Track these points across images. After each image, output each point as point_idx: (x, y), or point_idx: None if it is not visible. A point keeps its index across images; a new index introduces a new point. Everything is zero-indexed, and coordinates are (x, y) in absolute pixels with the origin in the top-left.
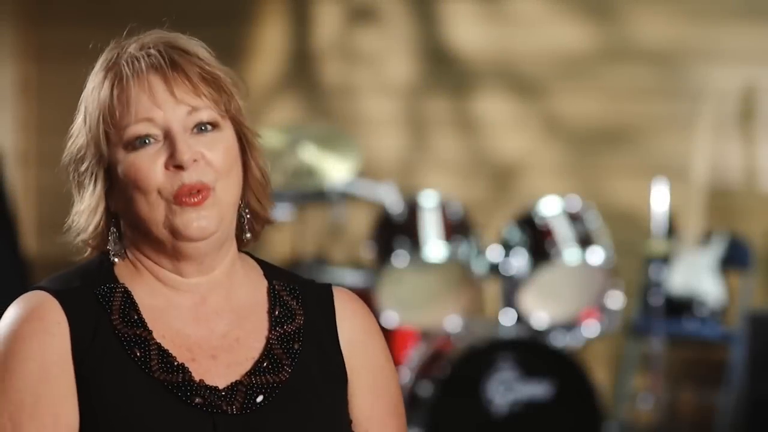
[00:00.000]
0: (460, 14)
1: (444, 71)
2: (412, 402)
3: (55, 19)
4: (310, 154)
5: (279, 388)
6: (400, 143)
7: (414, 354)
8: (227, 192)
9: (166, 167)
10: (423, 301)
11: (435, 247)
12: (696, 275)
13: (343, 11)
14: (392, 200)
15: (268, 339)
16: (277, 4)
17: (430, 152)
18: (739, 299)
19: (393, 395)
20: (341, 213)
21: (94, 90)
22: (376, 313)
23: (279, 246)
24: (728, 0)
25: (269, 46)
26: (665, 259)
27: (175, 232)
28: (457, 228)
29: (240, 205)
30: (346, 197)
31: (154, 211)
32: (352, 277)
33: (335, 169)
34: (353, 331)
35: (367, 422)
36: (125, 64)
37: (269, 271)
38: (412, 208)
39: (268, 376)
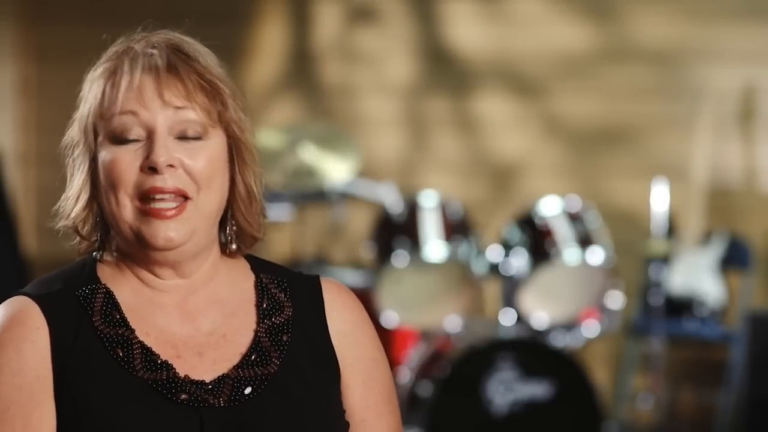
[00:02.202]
0: (460, 14)
1: (444, 71)
2: (412, 402)
3: (55, 19)
4: (310, 154)
5: (267, 379)
6: (400, 143)
7: (414, 354)
8: (207, 203)
9: (142, 168)
10: (423, 301)
11: (435, 247)
12: (696, 275)
13: (343, 11)
14: (392, 200)
15: (256, 332)
16: (277, 4)
17: (430, 152)
18: (739, 299)
19: (386, 384)
20: (341, 213)
21: (93, 81)
22: (376, 313)
23: (279, 246)
24: (728, 0)
25: (269, 46)
26: (665, 259)
27: (141, 239)
28: (457, 228)
29: (228, 217)
30: (346, 197)
31: (123, 211)
32: (352, 277)
33: (335, 169)
34: (343, 322)
35: (362, 412)
36: (124, 60)
37: (257, 264)
38: (412, 208)
39: (257, 369)
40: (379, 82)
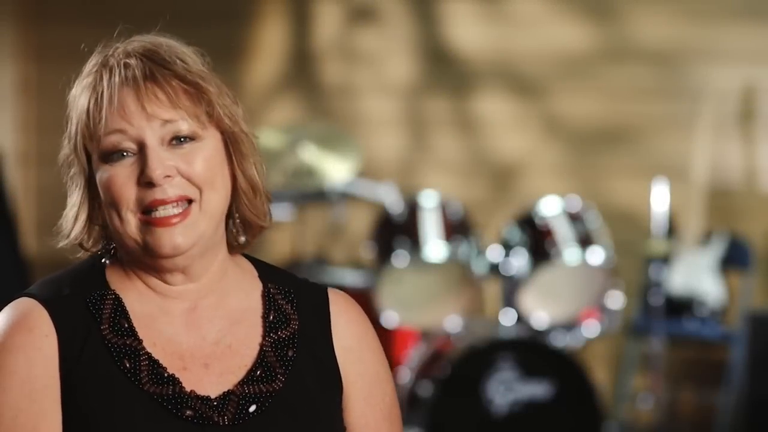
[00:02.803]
0: (460, 14)
1: (444, 71)
2: (412, 402)
3: (55, 19)
4: (310, 154)
5: (272, 397)
6: (400, 143)
7: (414, 354)
8: (212, 203)
9: (139, 183)
10: (423, 301)
11: (435, 247)
12: (696, 275)
13: (343, 11)
14: (392, 200)
15: (261, 346)
16: (277, 4)
17: (430, 152)
18: (739, 299)
19: (388, 401)
20: (341, 213)
21: (76, 98)
22: (376, 313)
23: (279, 246)
24: (728, 0)
25: (269, 46)
26: (665, 259)
27: (147, 249)
28: (457, 228)
29: (232, 212)
30: (346, 197)
31: (127, 227)
32: (352, 277)
33: (335, 169)
34: (348, 338)
35: (361, 430)
36: (103, 75)
37: (265, 272)
38: (412, 208)
39: (261, 386)
40: (379, 82)
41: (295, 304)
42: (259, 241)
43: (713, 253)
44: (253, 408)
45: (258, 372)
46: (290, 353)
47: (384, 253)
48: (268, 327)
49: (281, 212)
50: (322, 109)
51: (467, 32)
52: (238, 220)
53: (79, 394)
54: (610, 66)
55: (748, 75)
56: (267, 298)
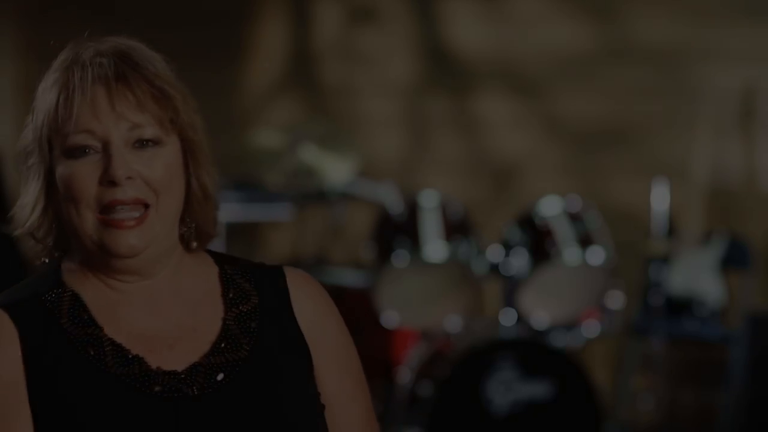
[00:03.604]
0: (460, 14)
1: (444, 71)
2: (412, 402)
3: (55, 18)
4: (310, 154)
5: (239, 365)
6: (400, 143)
7: (414, 354)
8: (166, 207)
9: (100, 182)
10: (423, 301)
11: (435, 247)
12: (696, 275)
13: (343, 11)
14: (392, 200)
15: (224, 320)
16: (277, 4)
17: (430, 152)
18: (739, 299)
19: (357, 369)
20: (341, 213)
21: (45, 91)
22: (376, 313)
23: (279, 246)
24: (728, 0)
25: (269, 46)
26: (665, 259)
27: (103, 249)
28: (457, 228)
29: (185, 217)
30: (346, 197)
31: (84, 223)
32: (352, 277)
33: (335, 169)
34: (311, 311)
35: (337, 397)
36: (74, 71)
37: (219, 258)
38: (412, 208)
39: (227, 355)
40: (379, 82)
41: (252, 281)
42: (260, 241)
43: (713, 253)
44: (221, 376)
45: (222, 344)
46: (253, 324)
47: (384, 253)
48: (229, 303)
49: (281, 212)
50: (322, 109)
51: (467, 32)
52: (192, 225)
53: (48, 390)
54: (610, 66)
55: (748, 75)
56: (224, 279)
